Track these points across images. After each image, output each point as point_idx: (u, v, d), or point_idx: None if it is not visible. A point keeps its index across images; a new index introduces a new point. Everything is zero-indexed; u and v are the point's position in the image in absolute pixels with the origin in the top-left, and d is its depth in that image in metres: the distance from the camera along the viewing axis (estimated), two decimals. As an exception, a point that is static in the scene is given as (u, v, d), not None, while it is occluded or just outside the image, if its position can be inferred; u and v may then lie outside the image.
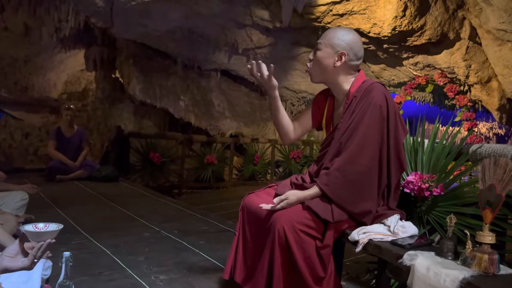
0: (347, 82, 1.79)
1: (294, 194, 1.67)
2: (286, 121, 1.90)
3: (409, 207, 2.00)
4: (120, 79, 7.73)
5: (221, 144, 7.56)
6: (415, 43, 5.45)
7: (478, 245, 1.30)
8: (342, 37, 1.74)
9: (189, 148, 7.52)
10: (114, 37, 6.74)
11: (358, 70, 1.83)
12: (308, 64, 1.82)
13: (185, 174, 7.03)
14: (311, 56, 1.81)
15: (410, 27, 5.13)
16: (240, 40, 6.43)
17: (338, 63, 1.74)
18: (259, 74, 1.78)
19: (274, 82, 1.80)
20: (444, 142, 2.12)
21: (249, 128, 8.74)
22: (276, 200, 1.67)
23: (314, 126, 1.99)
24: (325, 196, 1.66)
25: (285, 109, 9.10)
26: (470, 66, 5.63)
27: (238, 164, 8.00)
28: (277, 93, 1.83)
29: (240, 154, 8.22)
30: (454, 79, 6.09)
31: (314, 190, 1.68)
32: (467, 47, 5.45)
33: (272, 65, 1.77)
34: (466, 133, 6.08)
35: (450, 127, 8.84)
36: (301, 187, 1.79)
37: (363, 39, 5.55)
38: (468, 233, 1.32)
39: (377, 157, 1.66)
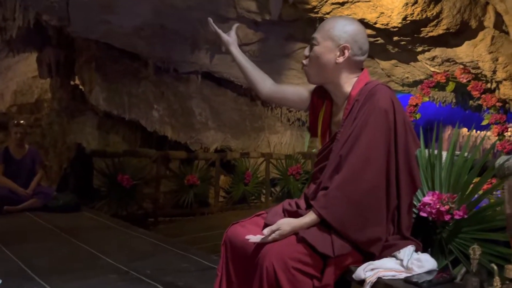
0: (349, 83, 1.80)
1: (288, 223, 1.66)
2: (256, 75, 2.04)
3: (426, 234, 1.99)
4: (80, 86, 7.71)
5: (205, 161, 7.53)
6: (430, 34, 5.51)
7: (508, 282, 1.29)
8: (344, 28, 1.75)
9: (166, 167, 7.49)
10: (71, 37, 6.74)
11: (362, 69, 1.84)
12: (304, 61, 1.83)
13: (161, 199, 7.02)
14: (307, 52, 1.82)
15: (423, 16, 5.18)
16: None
17: (341, 59, 1.75)
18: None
19: (229, 37, 2.05)
20: (466, 153, 2.12)
21: (238, 140, 8.73)
22: (266, 231, 1.65)
23: (310, 128, 2.01)
24: (324, 223, 1.65)
25: (280, 116, 9.23)
26: (497, 60, 5.69)
27: (225, 184, 7.98)
28: (233, 48, 2.04)
29: (227, 172, 8.20)
30: (479, 75, 6.14)
31: (310, 216, 1.66)
32: (493, 37, 5.51)
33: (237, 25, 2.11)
34: (495, 138, 6.11)
35: (477, 132, 8.92)
36: (295, 214, 1.78)
37: (369, 31, 5.59)
38: (495, 267, 1.31)
39: (384, 172, 1.66)
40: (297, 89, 2.03)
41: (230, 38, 2.05)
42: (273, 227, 1.64)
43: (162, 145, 8.12)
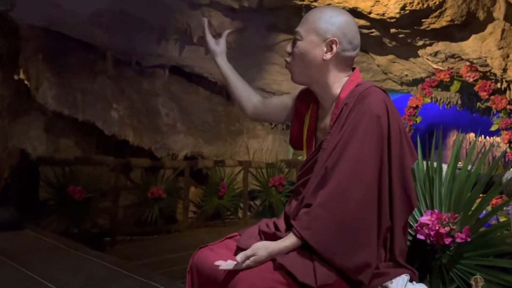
0: (338, 84, 1.81)
1: (264, 248, 1.65)
2: (242, 91, 2.17)
3: (424, 260, 2.00)
4: (25, 82, 7.60)
5: (172, 170, 7.50)
6: (433, 26, 5.57)
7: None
8: (330, 19, 1.77)
9: (126, 177, 7.44)
10: (15, 23, 6.64)
11: (353, 69, 1.85)
12: (287, 59, 1.85)
13: (120, 215, 6.95)
14: (289, 49, 1.84)
15: (425, 5, 5.24)
16: (195, 25, 6.43)
17: (328, 55, 1.76)
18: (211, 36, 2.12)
19: (218, 45, 2.15)
20: (470, 166, 2.14)
21: (212, 146, 8.71)
22: (239, 257, 1.63)
23: (292, 141, 2.03)
24: (306, 247, 1.65)
25: (262, 118, 9.23)
26: (507, 56, 5.78)
27: (196, 197, 7.95)
28: (220, 59, 2.16)
29: (199, 183, 8.17)
30: (488, 74, 6.23)
31: (291, 239, 1.66)
32: (503, 30, 5.59)
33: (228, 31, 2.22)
34: (506, 146, 6.21)
35: (485, 139, 9.05)
36: (273, 237, 1.77)
37: (363, 22, 5.63)
38: (500, 301, 1.32)
39: (376, 188, 1.66)
40: (282, 99, 2.11)
41: (219, 48, 2.16)
42: (248, 252, 1.63)
43: (122, 151, 8.03)
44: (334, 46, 1.75)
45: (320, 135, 1.86)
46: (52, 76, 7.14)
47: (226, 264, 1.66)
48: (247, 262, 1.61)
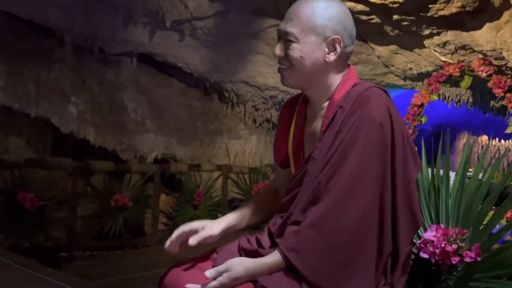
0: (334, 84, 1.82)
1: (240, 264, 1.65)
2: (257, 211, 2.01)
3: (428, 281, 2.01)
4: (-31, 70, 7.56)
5: (140, 175, 7.46)
6: (441, 12, 5.61)
7: None
8: (326, 13, 1.75)
9: (86, 182, 7.39)
10: (-43, 2, 6.58)
11: (348, 65, 1.86)
12: (283, 65, 1.81)
13: (79, 226, 6.90)
14: (280, 52, 1.80)
15: (432, -11, 5.30)
16: (167, 7, 6.43)
17: (332, 56, 1.76)
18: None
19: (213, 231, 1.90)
20: (481, 174, 2.16)
21: (186, 147, 8.70)
22: (209, 273, 1.64)
23: (277, 162, 2.02)
24: (292, 269, 1.65)
25: (244, 115, 9.24)
26: (526, 48, 5.86)
27: (168, 207, 7.93)
28: (222, 229, 1.92)
29: (171, 190, 8.16)
30: (503, 68, 6.29)
31: (273, 257, 1.66)
32: (521, 18, 5.66)
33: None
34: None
35: (500, 142, 9.15)
36: (255, 254, 1.78)
37: (361, 7, 5.67)
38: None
39: (376, 208, 1.67)
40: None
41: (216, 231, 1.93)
42: (221, 267, 1.64)
43: (81, 152, 7.99)
44: (337, 45, 1.75)
45: (309, 144, 1.86)
46: (0, 64, 7.08)
47: (197, 286, 1.65)
48: (220, 279, 1.61)
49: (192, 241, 1.84)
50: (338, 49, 1.76)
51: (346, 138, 1.69)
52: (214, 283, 1.62)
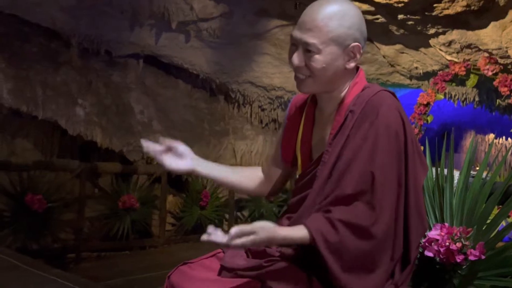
0: (345, 87, 1.82)
1: (267, 230, 1.60)
2: (240, 176, 2.05)
3: (432, 280, 2.02)
4: (-24, 73, 7.57)
5: (147, 177, 7.48)
6: (446, 12, 5.61)
7: None
8: (344, 21, 1.72)
9: (94, 184, 7.39)
10: (-37, 5, 6.61)
11: (357, 68, 1.85)
12: (302, 75, 1.78)
13: (86, 228, 6.92)
14: (299, 62, 1.76)
15: (437, -12, 5.30)
16: (173, 8, 6.43)
17: (352, 63, 1.76)
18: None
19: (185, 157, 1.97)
20: (485, 173, 2.17)
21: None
22: (234, 231, 1.56)
23: (284, 160, 2.00)
24: (304, 264, 1.66)
25: (250, 115, 9.23)
26: (531, 47, 5.84)
27: (175, 208, 7.94)
28: (195, 168, 1.98)
29: (178, 191, 8.17)
30: (509, 67, 6.27)
31: (301, 233, 1.63)
32: (526, 17, 5.65)
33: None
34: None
35: (506, 141, 9.13)
36: (262, 253, 1.78)
37: (366, 7, 5.67)
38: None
39: (394, 214, 1.68)
40: (278, 146, 2.06)
41: (187, 162, 1.99)
42: (246, 228, 1.57)
43: (88, 154, 8.01)
44: (357, 52, 1.75)
45: (317, 146, 1.86)
46: (8, 67, 7.09)
47: (216, 236, 1.57)
48: (243, 239, 1.56)
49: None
50: (358, 56, 1.75)
51: (363, 144, 1.68)
52: (237, 241, 1.56)
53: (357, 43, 1.73)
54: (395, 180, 1.67)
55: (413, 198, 1.70)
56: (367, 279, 1.64)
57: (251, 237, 1.57)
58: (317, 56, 1.72)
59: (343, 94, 1.81)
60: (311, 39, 1.71)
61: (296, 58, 1.76)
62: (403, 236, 1.70)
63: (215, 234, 1.56)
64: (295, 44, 1.77)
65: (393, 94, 1.77)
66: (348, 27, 1.72)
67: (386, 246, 1.66)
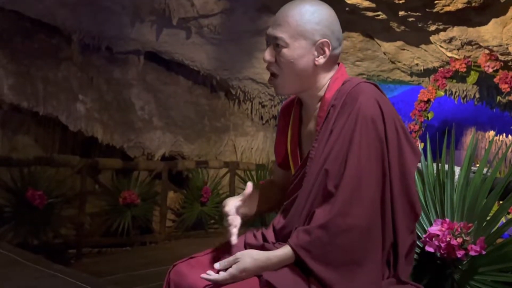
0: (325, 84, 1.83)
1: (250, 255, 1.66)
2: (273, 194, 2.04)
3: (434, 275, 2.02)
4: (-23, 69, 7.57)
5: (148, 173, 7.48)
6: (447, 8, 5.60)
7: None
8: (313, 18, 1.75)
9: (94, 180, 7.40)
10: (-35, 1, 6.61)
11: (338, 64, 1.87)
12: (274, 69, 1.81)
13: (87, 223, 6.92)
14: (270, 57, 1.80)
15: (438, -16, 5.29)
16: (174, 5, 6.44)
17: (321, 59, 1.77)
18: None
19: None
20: (486, 169, 2.16)
21: (193, 145, 8.71)
22: (219, 264, 1.66)
23: (280, 165, 2.03)
24: (300, 265, 1.66)
25: (251, 112, 9.23)
26: (532, 43, 5.83)
27: (175, 204, 7.94)
28: (247, 216, 1.93)
29: (178, 187, 8.17)
30: (510, 64, 6.27)
31: (284, 250, 1.67)
32: (527, 14, 5.64)
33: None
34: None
35: (507, 137, 9.13)
36: (261, 249, 1.78)
37: (367, 4, 5.67)
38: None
39: (379, 202, 1.68)
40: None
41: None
42: (230, 258, 1.65)
43: (89, 150, 8.02)
44: (326, 48, 1.76)
45: (306, 144, 1.88)
46: (9, 63, 7.10)
47: (211, 275, 1.65)
48: (230, 269, 1.62)
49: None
50: (327, 52, 1.76)
51: (340, 137, 1.70)
52: (224, 274, 1.62)
53: (325, 39, 1.75)
54: (374, 169, 1.67)
55: (399, 182, 1.70)
56: (359, 273, 1.63)
57: (235, 265, 1.63)
58: (285, 50, 1.76)
59: (323, 90, 1.82)
60: (279, 33, 1.76)
61: (267, 54, 1.80)
62: (391, 224, 1.70)
63: (208, 276, 1.65)
64: (268, 41, 1.82)
65: (375, 85, 1.78)
66: (317, 23, 1.74)
67: (372, 236, 1.66)
